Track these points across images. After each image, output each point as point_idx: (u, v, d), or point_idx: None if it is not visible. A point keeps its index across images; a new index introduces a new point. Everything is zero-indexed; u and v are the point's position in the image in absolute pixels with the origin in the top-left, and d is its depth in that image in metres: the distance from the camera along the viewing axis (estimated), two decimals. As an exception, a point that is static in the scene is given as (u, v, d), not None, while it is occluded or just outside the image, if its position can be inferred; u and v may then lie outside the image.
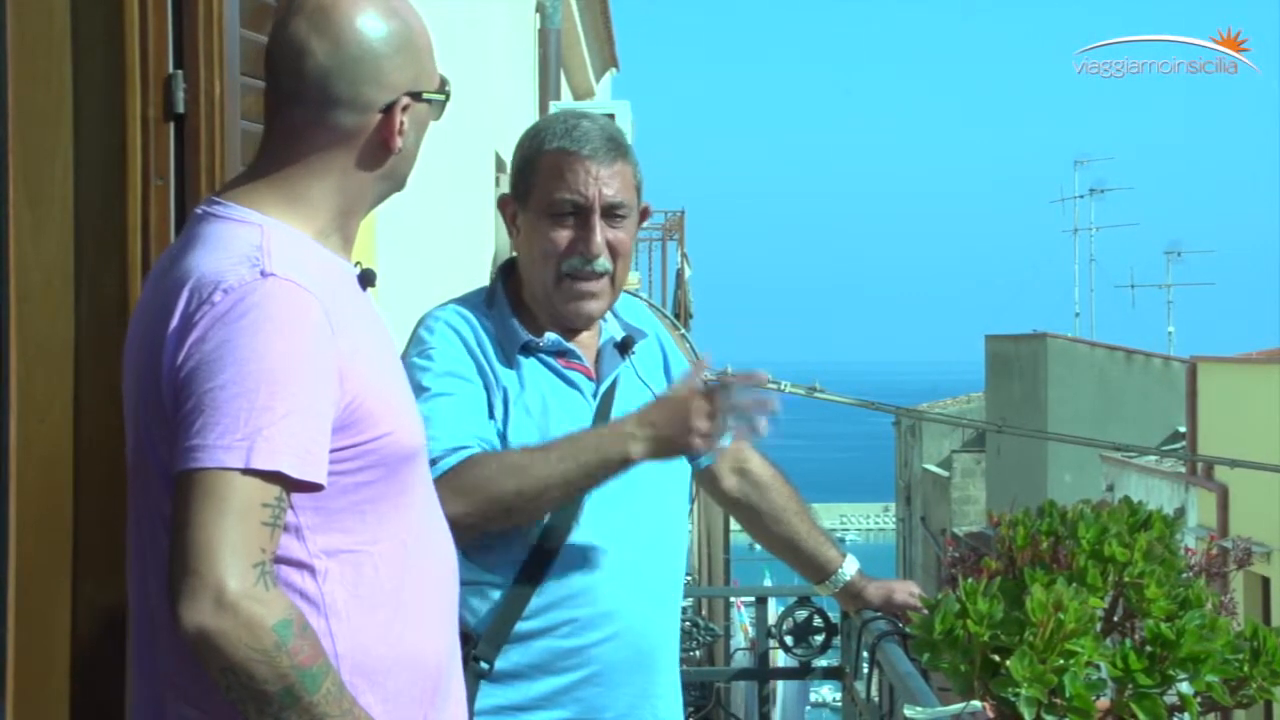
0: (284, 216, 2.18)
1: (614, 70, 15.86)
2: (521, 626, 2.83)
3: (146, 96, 2.50)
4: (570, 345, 2.96)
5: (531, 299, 2.97)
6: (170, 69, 2.54)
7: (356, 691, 2.08)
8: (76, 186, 2.46)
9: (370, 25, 2.20)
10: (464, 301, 3.00)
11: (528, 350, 2.93)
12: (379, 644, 2.14)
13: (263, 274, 2.08)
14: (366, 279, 2.27)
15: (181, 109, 2.54)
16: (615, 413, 2.97)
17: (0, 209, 2.06)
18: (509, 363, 2.90)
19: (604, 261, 2.93)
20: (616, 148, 2.95)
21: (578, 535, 2.87)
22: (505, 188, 3.08)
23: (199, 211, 2.21)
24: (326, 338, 2.08)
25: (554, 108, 9.00)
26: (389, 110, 2.21)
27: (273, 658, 1.97)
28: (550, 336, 2.94)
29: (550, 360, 2.94)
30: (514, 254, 3.09)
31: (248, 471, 2.00)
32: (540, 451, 2.79)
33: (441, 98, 2.27)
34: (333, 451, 2.08)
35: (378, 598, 2.15)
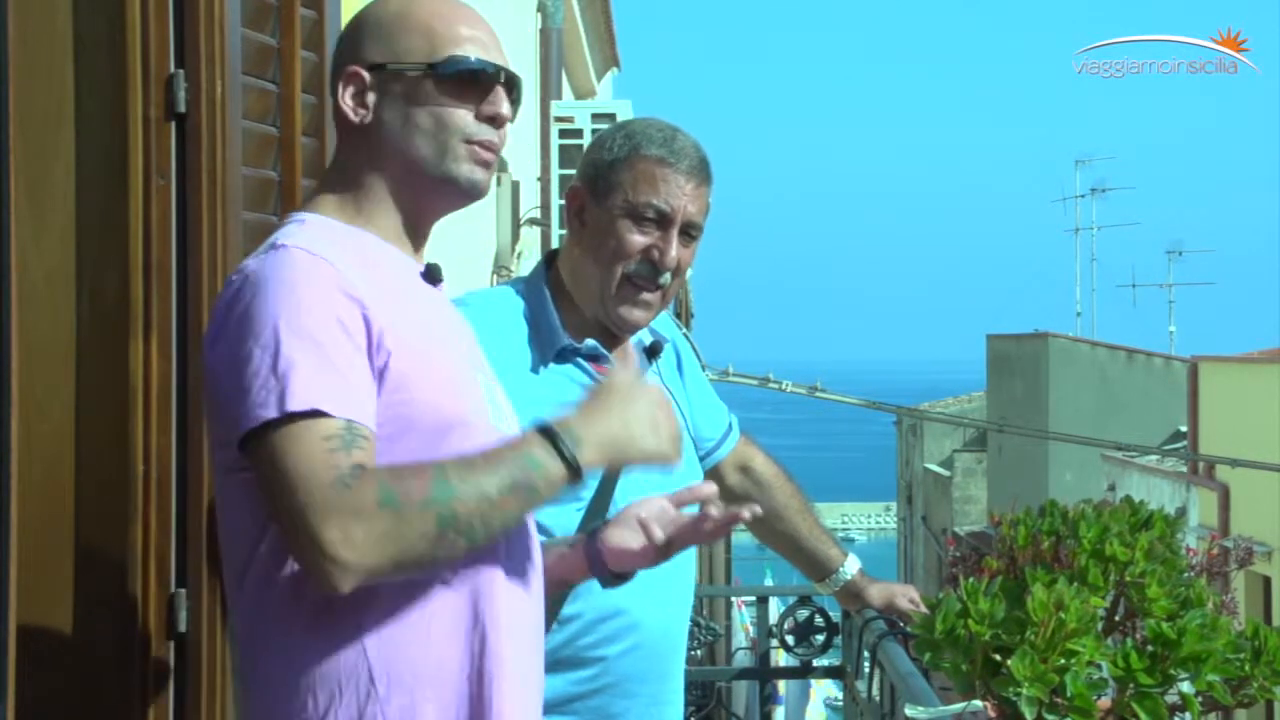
0: (330, 211, 2.21)
1: (615, 70, 15.84)
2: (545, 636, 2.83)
3: (148, 96, 2.50)
4: (605, 351, 2.96)
5: (579, 292, 2.97)
6: (172, 68, 2.54)
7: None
8: (78, 186, 2.45)
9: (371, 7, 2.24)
10: (503, 289, 3.03)
11: (563, 356, 2.92)
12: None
13: (274, 248, 2.11)
14: (431, 275, 2.26)
15: (183, 108, 2.54)
16: None
17: (1, 208, 2.05)
18: (538, 364, 2.91)
19: (668, 275, 2.95)
20: (707, 170, 2.99)
21: None
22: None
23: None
24: (341, 293, 2.07)
25: (555, 107, 9.00)
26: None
27: (404, 523, 1.97)
28: (589, 343, 2.94)
29: (585, 365, 2.94)
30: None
31: (289, 418, 1.99)
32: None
33: (407, 67, 2.19)
34: None
35: None
